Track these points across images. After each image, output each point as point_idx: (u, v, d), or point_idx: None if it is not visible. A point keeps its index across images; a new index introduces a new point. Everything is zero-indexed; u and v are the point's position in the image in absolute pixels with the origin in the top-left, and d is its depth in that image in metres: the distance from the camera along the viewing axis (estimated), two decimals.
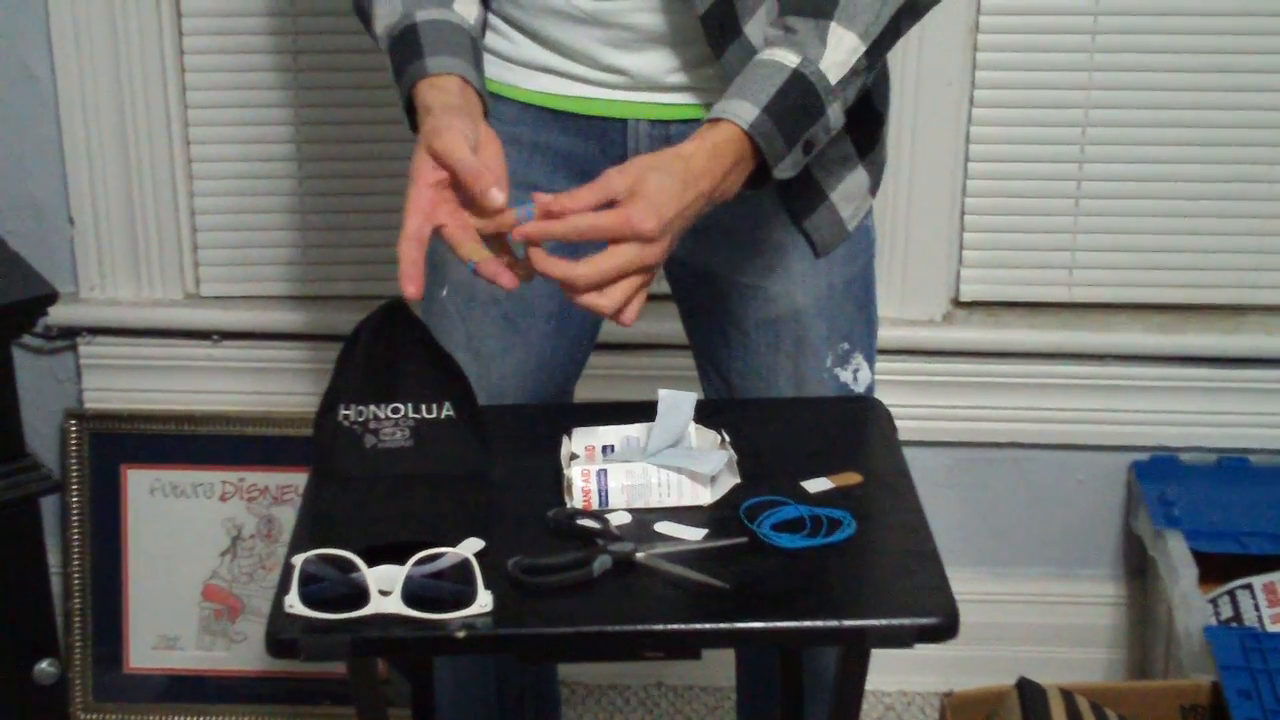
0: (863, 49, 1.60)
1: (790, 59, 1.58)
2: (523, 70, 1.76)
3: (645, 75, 1.73)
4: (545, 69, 1.76)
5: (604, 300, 1.51)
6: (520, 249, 1.53)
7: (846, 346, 1.86)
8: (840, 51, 1.59)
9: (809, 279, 1.82)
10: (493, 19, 1.77)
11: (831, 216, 1.80)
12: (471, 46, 1.65)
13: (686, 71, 1.72)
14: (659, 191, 1.51)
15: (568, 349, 1.89)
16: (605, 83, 1.74)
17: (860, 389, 1.87)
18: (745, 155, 1.58)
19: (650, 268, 1.52)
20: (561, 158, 1.77)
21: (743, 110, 1.56)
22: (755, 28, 1.67)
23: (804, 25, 1.59)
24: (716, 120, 1.57)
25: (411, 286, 1.51)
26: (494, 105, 1.70)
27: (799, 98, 1.57)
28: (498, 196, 1.51)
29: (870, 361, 1.88)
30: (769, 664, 1.99)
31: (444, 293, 1.82)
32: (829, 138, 1.63)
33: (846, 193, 1.81)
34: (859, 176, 1.82)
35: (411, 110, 1.62)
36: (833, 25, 1.58)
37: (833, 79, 1.59)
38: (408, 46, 1.62)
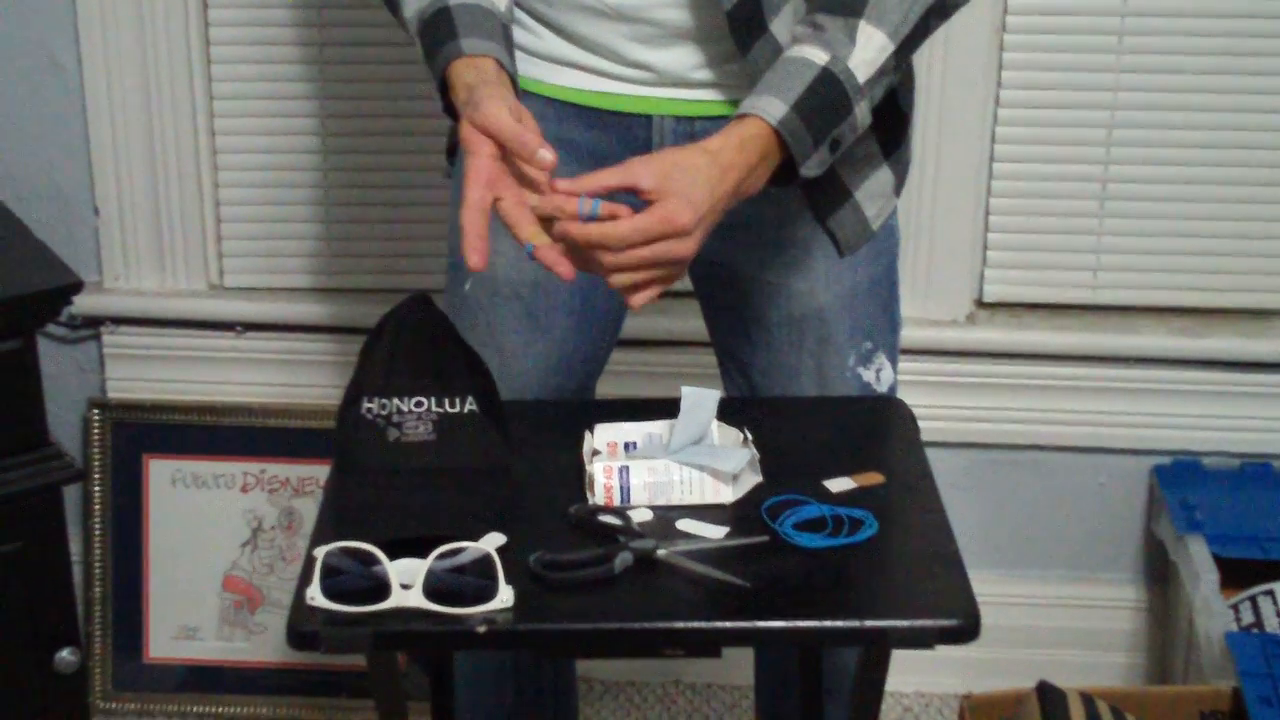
0: (891, 48, 1.60)
1: (819, 56, 1.58)
2: (547, 65, 1.76)
3: (671, 71, 1.72)
4: (570, 64, 1.75)
5: (624, 279, 1.51)
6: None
7: (870, 345, 1.85)
8: (869, 50, 1.58)
9: (832, 277, 1.81)
10: (518, 13, 1.76)
11: (856, 215, 1.80)
12: (503, 32, 1.65)
13: (712, 68, 1.72)
14: (691, 187, 1.51)
15: (590, 345, 1.89)
16: (630, 78, 1.74)
17: (883, 388, 1.87)
18: (772, 151, 1.57)
19: (680, 261, 1.52)
20: (586, 153, 1.76)
21: (771, 106, 1.56)
22: (781, 25, 1.66)
23: (833, 23, 1.59)
24: (744, 115, 1.57)
25: (475, 256, 1.49)
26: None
27: (827, 95, 1.57)
28: (547, 156, 1.50)
29: (893, 361, 1.88)
30: (788, 664, 1.99)
31: (467, 286, 1.82)
32: (855, 136, 1.63)
33: (871, 191, 1.80)
34: (884, 175, 1.81)
35: (444, 91, 1.61)
36: (862, 23, 1.58)
37: (861, 78, 1.59)
38: (440, 28, 1.61)
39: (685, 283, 1.86)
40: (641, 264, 1.50)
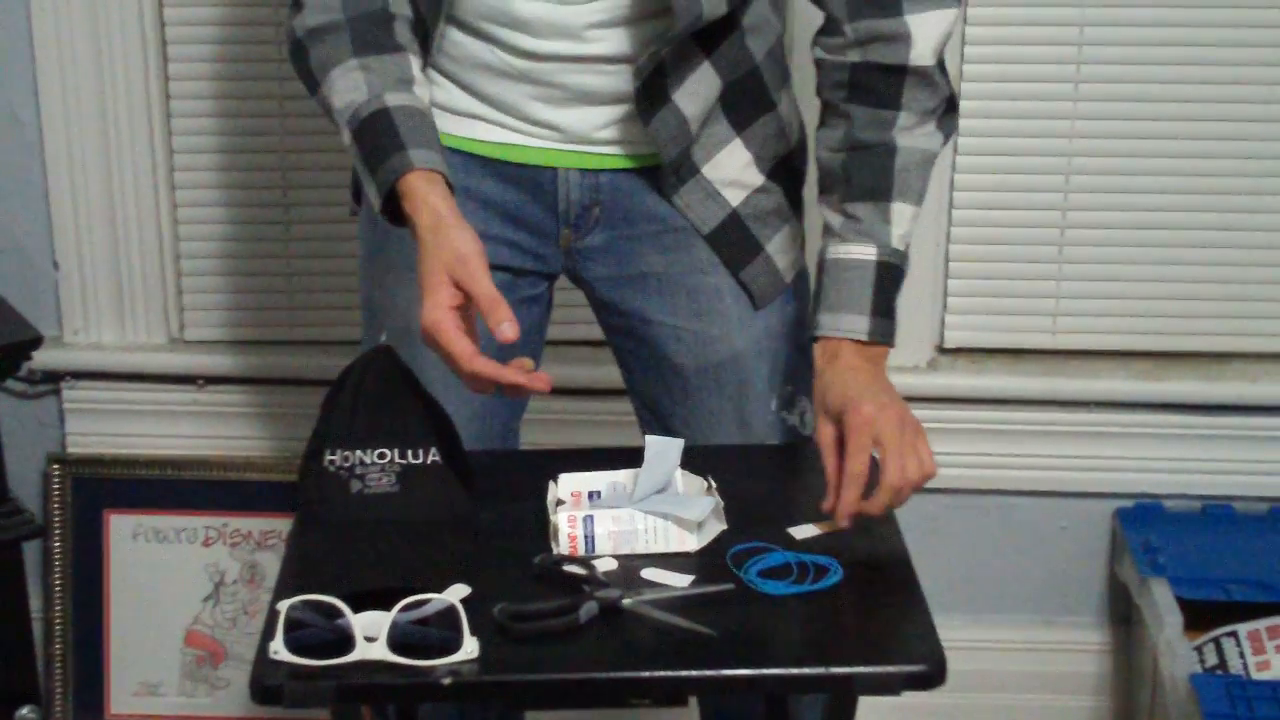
0: (919, 211, 1.72)
1: (869, 253, 1.69)
2: (453, 117, 1.79)
3: (575, 130, 1.77)
4: (476, 116, 1.79)
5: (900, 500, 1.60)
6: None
7: (790, 389, 1.88)
8: (903, 224, 1.71)
9: (746, 323, 1.85)
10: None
11: (769, 267, 1.85)
12: (436, 135, 1.68)
13: (614, 126, 1.77)
14: (891, 429, 1.59)
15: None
16: (536, 134, 1.78)
17: (807, 431, 1.88)
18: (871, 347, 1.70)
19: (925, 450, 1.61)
20: (494, 205, 1.80)
21: (856, 325, 1.68)
22: (683, 96, 1.72)
23: (866, 210, 1.70)
24: (840, 340, 1.68)
25: (509, 326, 1.55)
26: None
27: (890, 280, 1.70)
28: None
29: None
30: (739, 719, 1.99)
31: (383, 337, 1.82)
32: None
33: (781, 244, 1.85)
34: (793, 227, 1.87)
35: (390, 198, 1.63)
36: (893, 206, 1.70)
37: (904, 247, 1.71)
38: (383, 135, 1.64)
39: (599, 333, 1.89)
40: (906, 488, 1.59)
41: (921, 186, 1.72)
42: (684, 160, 1.78)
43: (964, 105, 2.48)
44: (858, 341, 1.68)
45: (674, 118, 1.72)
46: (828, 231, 1.72)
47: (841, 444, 1.60)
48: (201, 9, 2.51)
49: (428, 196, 1.61)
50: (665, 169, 1.77)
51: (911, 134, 1.70)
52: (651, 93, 1.71)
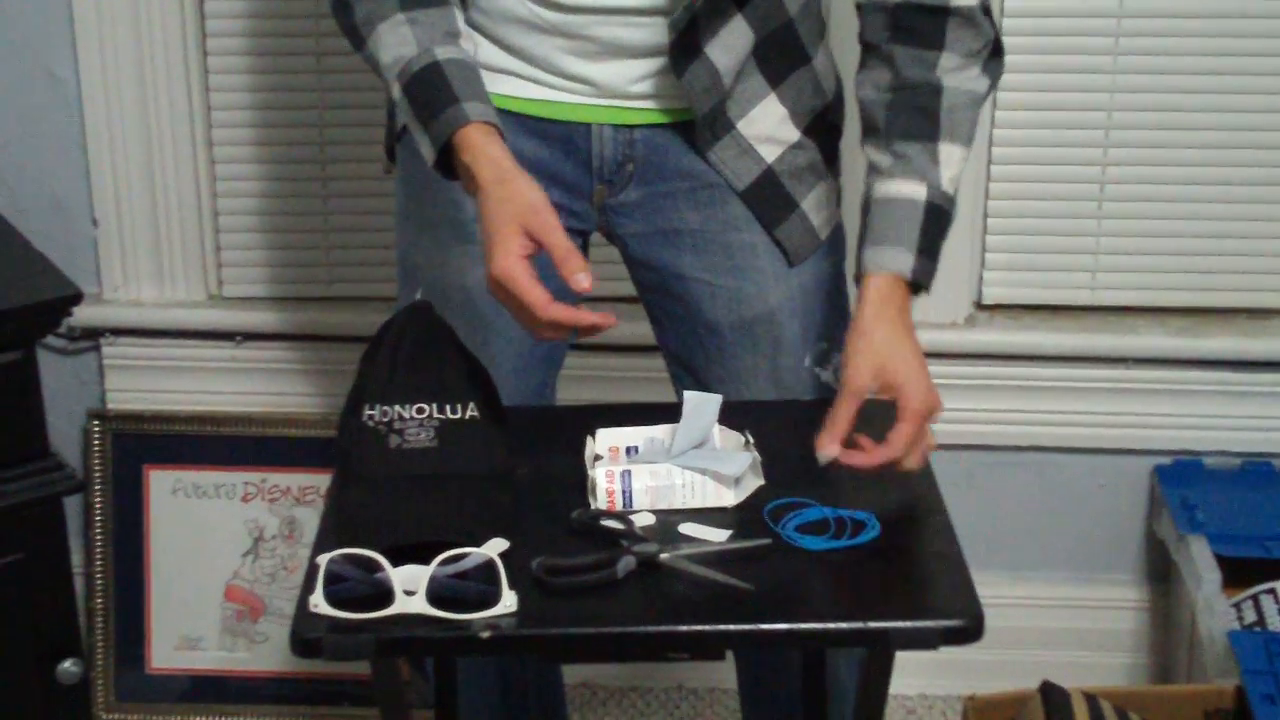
0: (968, 154, 1.71)
1: (919, 191, 1.68)
2: (487, 74, 1.77)
3: (609, 84, 1.76)
4: (510, 72, 1.78)
5: (912, 464, 1.61)
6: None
7: (825, 346, 1.87)
8: (952, 166, 1.70)
9: (780, 279, 1.84)
10: None
11: (804, 225, 1.84)
12: (485, 90, 1.67)
13: (647, 80, 1.76)
14: (903, 372, 1.61)
15: (545, 345, 1.89)
16: (569, 89, 1.77)
17: None
18: (907, 289, 1.68)
19: (934, 413, 1.63)
20: (528, 162, 1.77)
21: (900, 260, 1.66)
22: (716, 48, 1.71)
23: (914, 150, 1.69)
24: (880, 274, 1.66)
25: (583, 277, 1.55)
26: None
27: (938, 223, 1.69)
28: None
29: None
30: (775, 674, 1.99)
31: (418, 294, 1.82)
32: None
33: (817, 201, 1.84)
34: (829, 184, 1.86)
35: (445, 150, 1.62)
36: (941, 146, 1.69)
37: (953, 191, 1.70)
38: (436, 88, 1.63)
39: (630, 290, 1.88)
40: (923, 445, 1.62)
41: (969, 129, 1.70)
42: (718, 116, 1.77)
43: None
44: (899, 279, 1.66)
45: (706, 70, 1.71)
46: (874, 170, 1.71)
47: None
48: None
49: (487, 148, 1.60)
50: (700, 124, 1.76)
51: (956, 75, 1.69)
52: (685, 44, 1.70)
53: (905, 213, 1.68)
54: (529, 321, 1.57)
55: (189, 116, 2.56)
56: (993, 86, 1.73)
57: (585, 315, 1.56)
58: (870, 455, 1.59)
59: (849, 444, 1.60)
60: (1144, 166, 2.52)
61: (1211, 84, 2.49)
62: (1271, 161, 2.51)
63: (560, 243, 1.56)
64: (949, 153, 1.69)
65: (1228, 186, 2.53)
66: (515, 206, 1.57)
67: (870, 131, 1.73)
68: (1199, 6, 2.45)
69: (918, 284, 1.68)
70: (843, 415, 1.61)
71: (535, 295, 1.55)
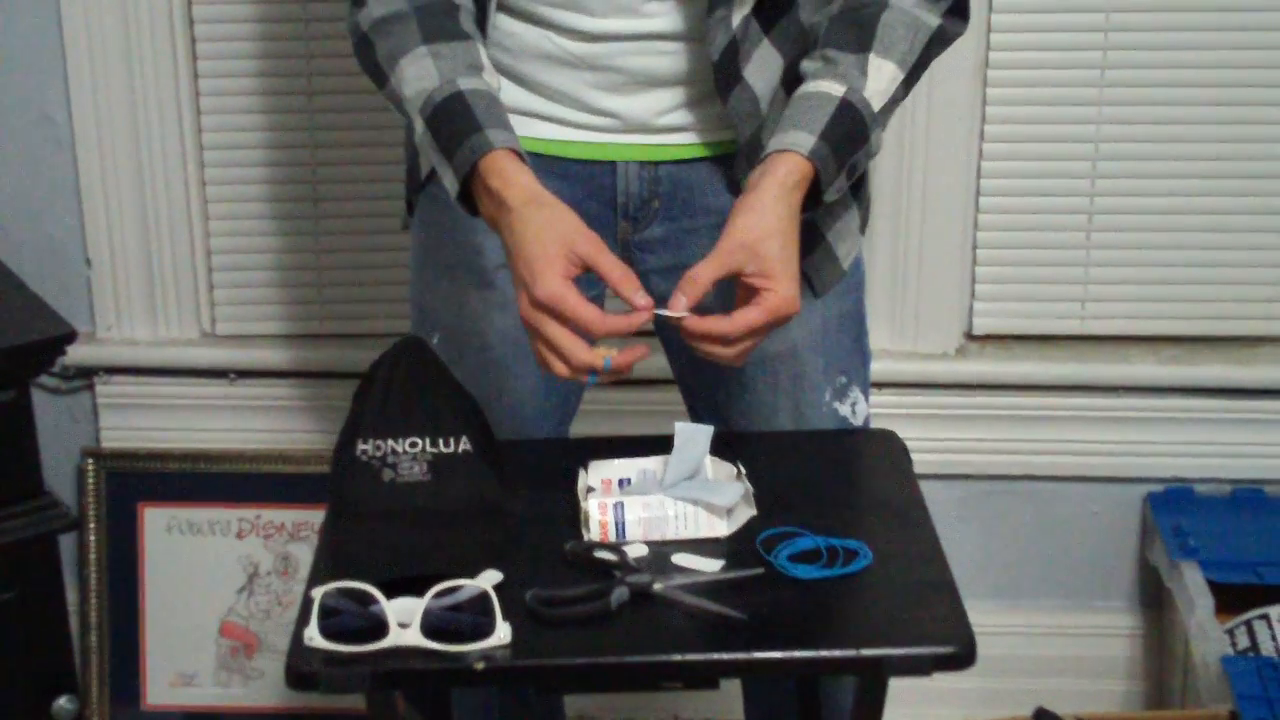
0: (901, 76, 1.65)
1: (836, 89, 1.62)
2: (509, 116, 1.77)
3: (634, 117, 1.75)
4: (533, 114, 1.77)
5: (731, 352, 1.57)
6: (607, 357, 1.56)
7: (844, 380, 1.86)
8: (881, 80, 1.64)
9: (804, 315, 1.81)
10: None
11: (828, 256, 1.82)
12: (509, 121, 1.65)
13: (674, 113, 1.75)
14: (781, 259, 1.57)
15: (562, 390, 1.88)
16: (594, 125, 1.76)
17: (858, 422, 1.87)
18: (805, 181, 1.61)
19: (786, 319, 1.58)
20: None
21: (801, 139, 1.60)
22: (753, 71, 1.70)
23: (844, 58, 1.64)
24: (779, 153, 1.60)
25: (641, 297, 1.55)
26: None
27: (848, 125, 1.62)
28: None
29: (866, 394, 1.89)
30: (780, 701, 1.99)
31: (435, 340, 1.82)
32: (868, 163, 1.68)
33: (841, 232, 1.83)
34: (852, 215, 1.84)
35: (468, 180, 1.61)
36: (872, 56, 1.64)
37: (876, 106, 1.64)
38: (459, 117, 1.60)
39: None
40: (755, 342, 1.57)
41: (906, 49, 1.65)
42: (755, 143, 1.73)
43: (989, 93, 2.49)
44: (798, 163, 1.60)
45: (747, 96, 1.70)
46: (800, 78, 1.66)
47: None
48: (231, 6, 2.53)
49: (516, 175, 1.58)
50: (740, 151, 1.73)
51: (905, 1, 1.65)
52: (726, 69, 1.68)
53: (816, 103, 1.62)
54: (569, 349, 1.54)
55: (181, 155, 2.57)
56: (945, 34, 1.68)
57: (638, 321, 1.55)
58: (705, 321, 1.56)
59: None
60: (1132, 197, 2.53)
61: (1199, 113, 2.50)
62: (1261, 190, 2.52)
63: (614, 262, 1.55)
64: (878, 66, 1.64)
65: (1217, 215, 2.54)
66: (560, 229, 1.55)
67: (809, 48, 1.70)
68: (1186, 36, 2.46)
69: (815, 184, 1.62)
70: (705, 276, 1.56)
71: (589, 313, 1.52)
